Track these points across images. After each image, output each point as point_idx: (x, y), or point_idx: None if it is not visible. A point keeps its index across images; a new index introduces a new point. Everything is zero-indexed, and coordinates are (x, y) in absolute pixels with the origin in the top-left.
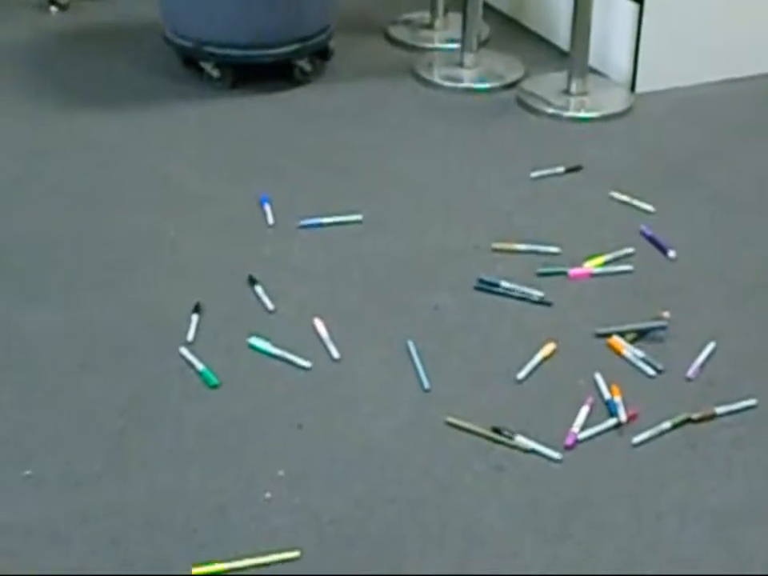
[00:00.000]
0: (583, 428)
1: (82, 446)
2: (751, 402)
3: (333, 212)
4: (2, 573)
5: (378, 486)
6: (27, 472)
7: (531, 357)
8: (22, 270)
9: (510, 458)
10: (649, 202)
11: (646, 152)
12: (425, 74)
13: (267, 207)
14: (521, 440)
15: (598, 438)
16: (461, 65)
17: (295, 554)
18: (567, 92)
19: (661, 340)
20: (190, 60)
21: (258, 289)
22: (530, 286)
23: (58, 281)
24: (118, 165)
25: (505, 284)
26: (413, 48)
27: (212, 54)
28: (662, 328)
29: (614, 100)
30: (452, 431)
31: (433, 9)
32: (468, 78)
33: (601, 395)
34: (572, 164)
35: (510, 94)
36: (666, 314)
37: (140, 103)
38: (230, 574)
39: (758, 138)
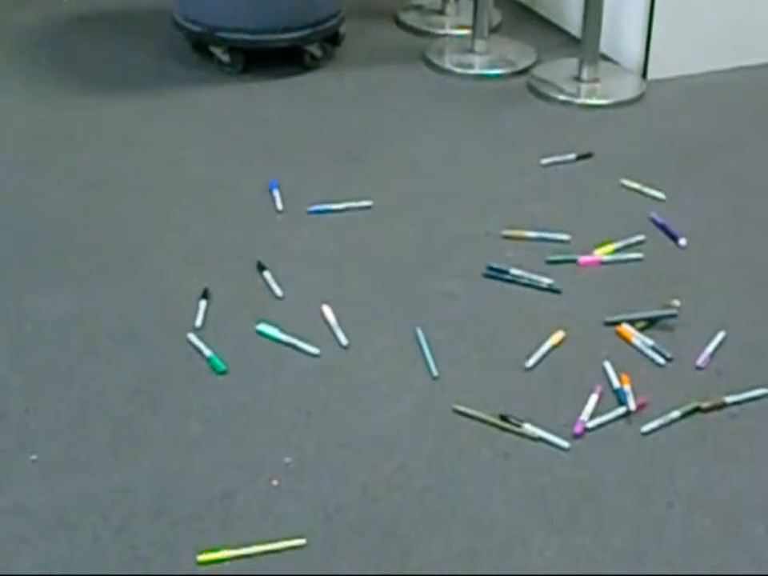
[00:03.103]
0: (592, 416)
1: (88, 432)
2: (761, 391)
3: (342, 198)
4: (8, 558)
5: (385, 474)
6: (33, 456)
7: (540, 345)
8: (33, 255)
9: (517, 446)
10: (660, 190)
11: (657, 139)
12: (436, 60)
13: (276, 193)
14: (529, 428)
15: (606, 427)
16: (472, 51)
17: (301, 541)
18: (578, 79)
19: (671, 328)
20: (201, 45)
21: (267, 275)
22: (539, 273)
23: (68, 266)
24: (129, 150)
25: (514, 271)
26: (424, 34)
27: (222, 39)
28: (672, 316)
29: (626, 87)
30: (460, 419)
31: None
32: (479, 65)
33: (610, 383)
34: (583, 151)
35: (521, 81)
36: (676, 302)
37: (151, 88)
38: (235, 560)
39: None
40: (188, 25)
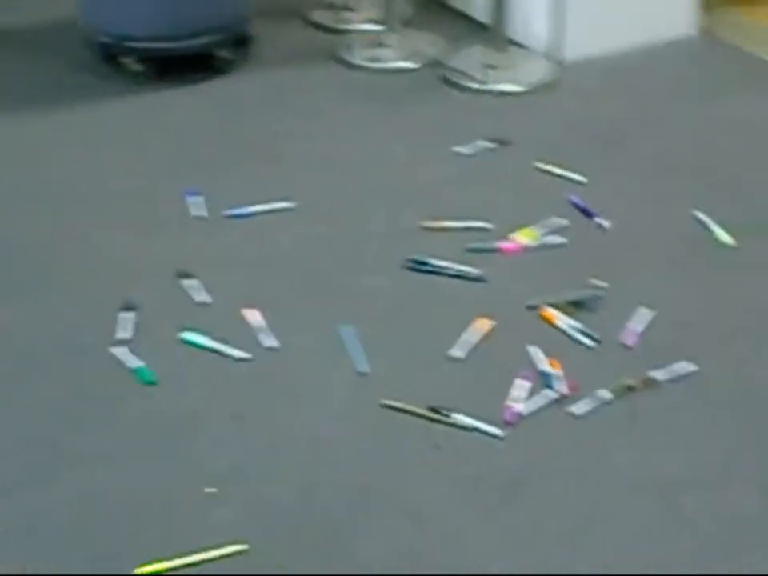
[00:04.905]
0: (523, 403)
1: (16, 452)
2: (689, 367)
3: (262, 200)
4: None
5: (320, 474)
6: None
7: (467, 334)
8: None
9: (450, 437)
10: (578, 172)
11: (572, 122)
12: (347, 57)
13: (195, 199)
14: (460, 418)
15: (538, 412)
16: (383, 45)
17: (242, 547)
18: (490, 66)
19: (597, 310)
20: (112, 56)
21: (190, 282)
22: (462, 262)
23: None
24: (43, 164)
25: (437, 262)
26: (334, 31)
27: (132, 49)
28: (598, 298)
29: (537, 71)
30: (391, 413)
31: None
32: (390, 58)
33: (539, 369)
34: (499, 138)
35: (433, 72)
36: (600, 284)
37: (63, 102)
38: (176, 571)
39: (681, 100)
40: (97, 36)
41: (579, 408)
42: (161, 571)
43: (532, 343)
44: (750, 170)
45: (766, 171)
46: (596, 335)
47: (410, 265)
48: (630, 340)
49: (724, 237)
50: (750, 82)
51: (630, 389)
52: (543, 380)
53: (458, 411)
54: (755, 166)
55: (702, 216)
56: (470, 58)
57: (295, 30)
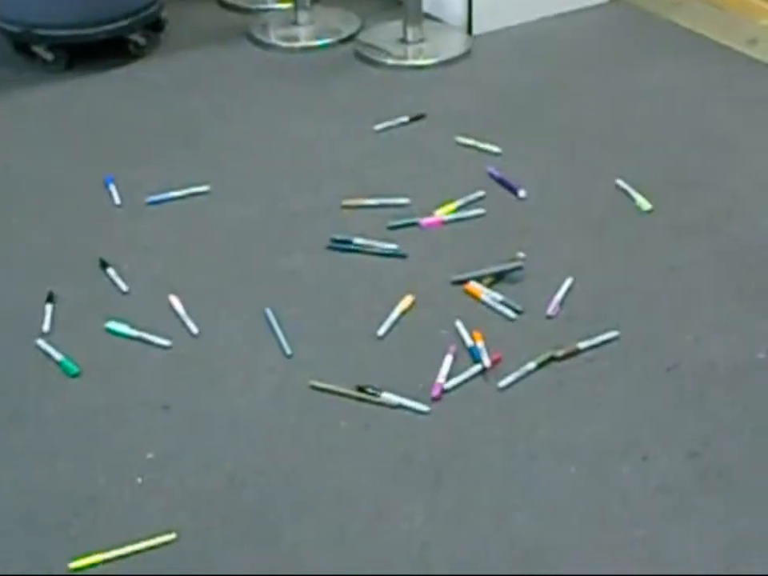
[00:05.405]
0: (449, 377)
1: None
2: (613, 333)
3: (180, 185)
4: None
5: (249, 459)
6: None
7: (390, 311)
8: None
9: (378, 416)
10: (495, 144)
11: (487, 93)
12: (260, 36)
13: (113, 187)
14: (387, 396)
15: (464, 386)
16: (296, 23)
17: (172, 536)
18: (404, 41)
19: (518, 281)
20: (22, 45)
21: (111, 271)
22: (383, 240)
23: None
24: None
25: (358, 240)
26: (246, 11)
27: (43, 37)
28: (519, 269)
29: (452, 44)
30: (318, 394)
31: None
32: (304, 36)
33: (463, 343)
34: (415, 112)
35: (347, 48)
36: (521, 255)
37: None
38: (108, 563)
39: (596, 69)
40: (6, 26)
41: (504, 380)
42: (96, 563)
43: (456, 318)
44: (666, 134)
45: (682, 135)
46: (518, 306)
47: (332, 244)
48: (551, 309)
49: (643, 203)
50: (663, 48)
51: (554, 358)
52: (468, 354)
53: (386, 390)
54: (670, 130)
55: (621, 183)
56: (383, 33)
57: (208, 11)
